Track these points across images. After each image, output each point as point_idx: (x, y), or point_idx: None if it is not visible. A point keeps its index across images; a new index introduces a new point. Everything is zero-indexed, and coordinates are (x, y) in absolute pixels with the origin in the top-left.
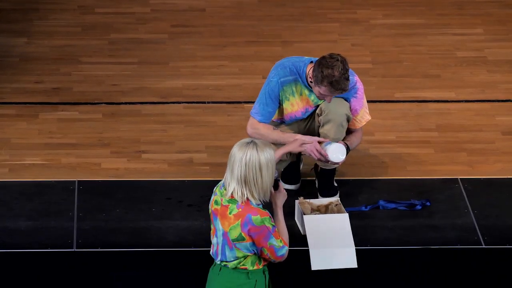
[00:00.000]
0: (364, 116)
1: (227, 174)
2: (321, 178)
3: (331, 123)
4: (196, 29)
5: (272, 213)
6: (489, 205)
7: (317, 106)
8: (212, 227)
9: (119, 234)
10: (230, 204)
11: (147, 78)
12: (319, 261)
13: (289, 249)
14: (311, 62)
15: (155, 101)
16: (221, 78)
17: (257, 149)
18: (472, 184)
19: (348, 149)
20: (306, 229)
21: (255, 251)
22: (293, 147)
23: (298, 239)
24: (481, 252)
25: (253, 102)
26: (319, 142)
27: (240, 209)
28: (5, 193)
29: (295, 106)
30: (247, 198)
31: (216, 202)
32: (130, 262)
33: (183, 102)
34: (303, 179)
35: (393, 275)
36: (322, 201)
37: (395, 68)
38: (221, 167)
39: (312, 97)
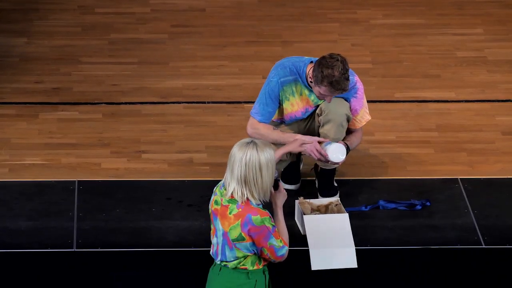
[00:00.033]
0: (364, 116)
1: (227, 174)
2: (321, 178)
3: (331, 123)
4: (196, 29)
5: (272, 213)
6: (489, 205)
7: (317, 106)
8: (212, 227)
9: (119, 234)
10: (230, 204)
11: (147, 78)
12: (319, 261)
13: (289, 249)
14: (311, 62)
15: (155, 101)
16: (221, 78)
17: (257, 149)
18: (472, 184)
19: (348, 149)
20: (306, 229)
21: (255, 251)
22: (293, 147)
23: (298, 239)
24: (481, 252)
25: (253, 102)
26: (319, 142)
27: (240, 209)
28: (5, 193)
29: (295, 106)
30: (247, 198)
31: (216, 202)
32: (130, 262)
33: (183, 102)
34: (303, 179)
35: (393, 275)
36: (322, 201)
37: (395, 68)
38: (221, 167)
39: (312, 97)
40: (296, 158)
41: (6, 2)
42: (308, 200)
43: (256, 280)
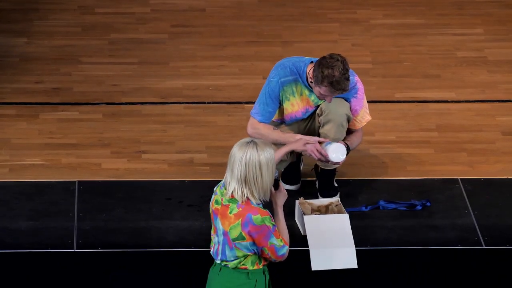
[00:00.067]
0: (364, 116)
1: (227, 174)
2: (322, 179)
3: (331, 123)
4: (196, 29)
5: (273, 213)
6: (489, 205)
7: (317, 106)
8: (212, 226)
9: (119, 234)
10: (231, 203)
11: (147, 78)
12: (319, 262)
13: (289, 250)
14: (312, 62)
15: (155, 101)
16: (221, 78)
17: (257, 149)
18: (472, 184)
19: (348, 149)
20: (307, 230)
21: (255, 250)
22: (297, 146)
23: (298, 239)
24: (481, 252)
25: (253, 103)
26: (320, 142)
27: (240, 209)
28: (5, 193)
29: (295, 106)
30: (247, 198)
31: (216, 202)
32: (130, 262)
33: (183, 103)
34: (303, 179)
35: (393, 275)
36: (322, 201)
37: (395, 68)
38: (221, 167)
39: (313, 97)
40: (296, 158)
41: (6, 2)
42: (308, 200)
43: (256, 280)
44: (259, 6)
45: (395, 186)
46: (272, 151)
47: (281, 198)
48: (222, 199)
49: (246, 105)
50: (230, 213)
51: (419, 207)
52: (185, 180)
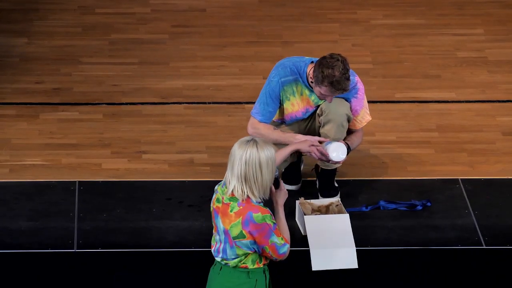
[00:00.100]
0: (364, 116)
1: (228, 172)
2: (322, 179)
3: (332, 123)
4: (196, 29)
5: (273, 211)
6: (489, 206)
7: (318, 106)
8: (214, 225)
9: (119, 234)
10: (231, 202)
11: (147, 78)
12: (319, 262)
13: (289, 250)
14: (312, 62)
15: (156, 102)
16: (222, 78)
17: (257, 147)
18: (473, 185)
19: (348, 149)
20: (307, 230)
21: (256, 249)
22: (303, 146)
23: (298, 239)
24: (482, 253)
25: (253, 103)
26: (320, 142)
27: (241, 207)
28: (5, 193)
29: (295, 106)
30: (248, 196)
31: (217, 200)
32: (130, 262)
33: (183, 103)
34: (303, 179)
35: (393, 275)
36: (322, 201)
37: (396, 68)
38: (222, 167)
39: (313, 97)
40: (297, 158)
41: (6, 2)
42: (308, 200)
43: (256, 280)
44: (259, 6)
45: (395, 186)
46: (272, 149)
47: (281, 197)
48: (223, 198)
49: (246, 105)
50: (231, 211)
51: (419, 207)
52: (185, 180)
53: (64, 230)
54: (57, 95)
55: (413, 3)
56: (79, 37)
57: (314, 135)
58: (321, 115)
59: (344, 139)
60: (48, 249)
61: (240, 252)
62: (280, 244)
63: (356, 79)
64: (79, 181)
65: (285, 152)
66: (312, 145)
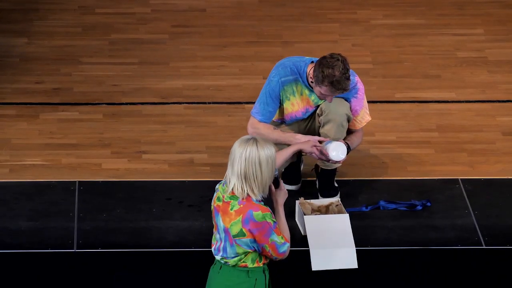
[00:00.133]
0: (364, 116)
1: (228, 171)
2: (322, 179)
3: (332, 123)
4: (196, 29)
5: (273, 210)
6: (489, 206)
7: (318, 106)
8: (214, 223)
9: (119, 234)
10: (232, 200)
11: (147, 78)
12: (319, 262)
13: (289, 250)
14: (312, 62)
15: (156, 102)
16: (222, 78)
17: (257, 145)
18: (473, 185)
19: (348, 149)
20: (307, 230)
21: (256, 247)
22: (305, 147)
23: (298, 239)
24: (482, 253)
25: (253, 103)
26: (320, 142)
27: (241, 205)
28: (5, 193)
29: (295, 106)
30: (248, 194)
31: (218, 199)
32: (130, 262)
33: (183, 103)
34: (303, 179)
35: (393, 275)
36: (322, 201)
37: (396, 68)
38: (222, 167)
39: (313, 97)
40: (296, 158)
41: (6, 2)
42: (308, 200)
43: (256, 279)
44: (259, 6)
45: (395, 186)
46: (272, 148)
47: (281, 196)
48: (223, 196)
49: (246, 105)
50: (231, 209)
51: (419, 207)
52: (185, 180)
53: (64, 230)
54: (57, 95)
55: (413, 3)
56: (79, 37)
57: (314, 135)
58: (321, 115)
59: (344, 139)
60: (48, 249)
61: (240, 250)
62: (280, 243)
63: (356, 79)
64: (79, 181)
65: (288, 152)
66: (315, 146)
